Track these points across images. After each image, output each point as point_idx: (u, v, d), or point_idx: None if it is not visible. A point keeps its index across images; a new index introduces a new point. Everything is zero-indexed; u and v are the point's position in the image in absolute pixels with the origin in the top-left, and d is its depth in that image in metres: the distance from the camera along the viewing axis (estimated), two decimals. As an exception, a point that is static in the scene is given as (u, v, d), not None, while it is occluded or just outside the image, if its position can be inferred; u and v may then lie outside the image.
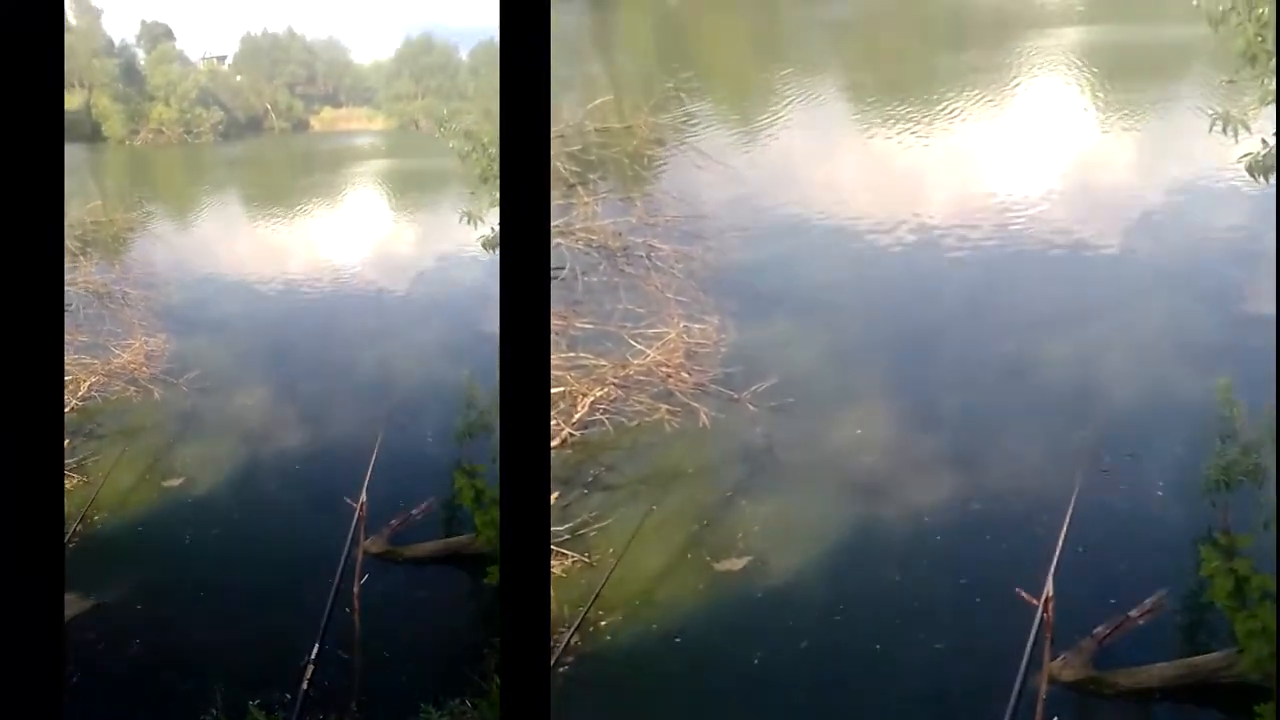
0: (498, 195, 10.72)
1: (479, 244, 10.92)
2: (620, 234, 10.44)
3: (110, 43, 20.87)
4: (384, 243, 16.14)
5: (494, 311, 6.41)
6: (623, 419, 9.86)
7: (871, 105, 15.10)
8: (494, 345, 6.43)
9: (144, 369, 11.72)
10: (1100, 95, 14.73)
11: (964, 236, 11.87)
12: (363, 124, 22.43)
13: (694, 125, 14.05)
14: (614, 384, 9.80)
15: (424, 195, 16.86)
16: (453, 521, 9.31)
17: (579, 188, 10.64)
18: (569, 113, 11.53)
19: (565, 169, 10.86)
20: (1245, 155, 8.43)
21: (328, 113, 23.30)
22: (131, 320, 12.39)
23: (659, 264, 10.40)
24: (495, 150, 10.56)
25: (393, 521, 9.12)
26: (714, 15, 18.42)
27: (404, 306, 13.36)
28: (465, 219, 10.91)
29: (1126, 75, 14.99)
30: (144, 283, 13.12)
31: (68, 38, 20.23)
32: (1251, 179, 8.54)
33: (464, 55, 20.77)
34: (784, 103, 15.12)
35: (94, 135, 20.72)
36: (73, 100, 20.41)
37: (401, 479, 9.06)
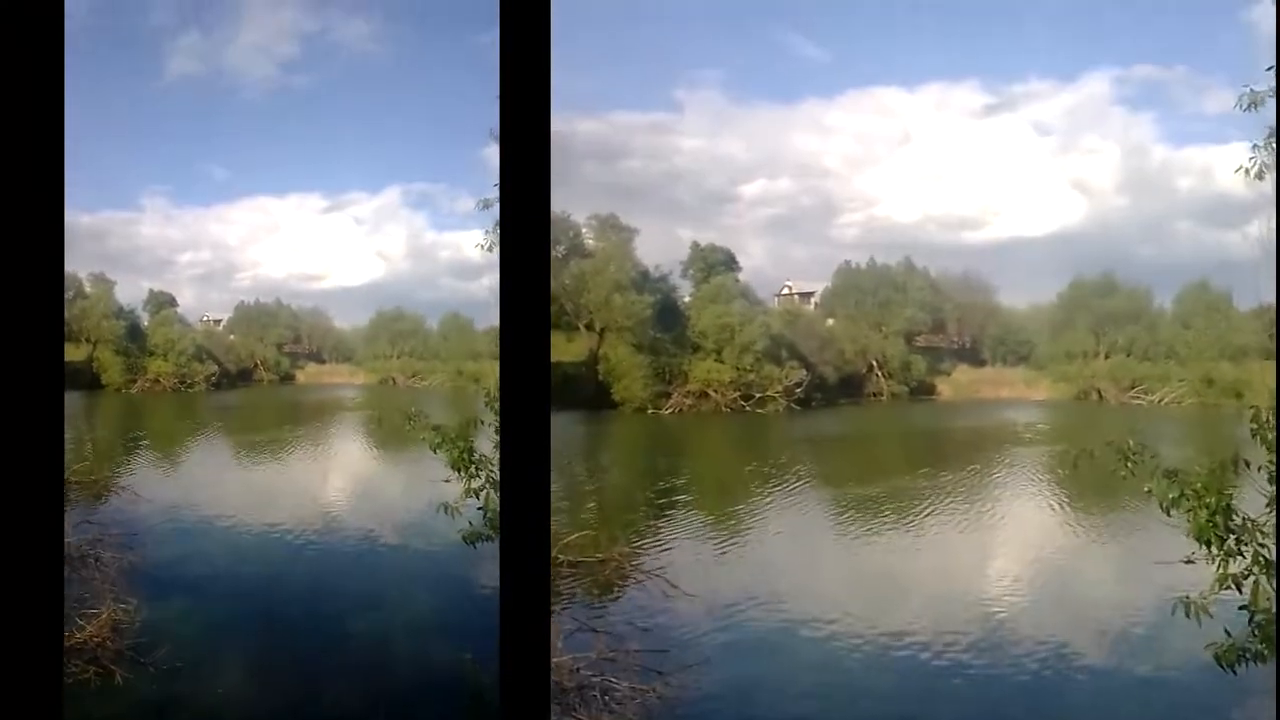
0: (471, 486, 8.28)
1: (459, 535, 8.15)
2: (577, 670, 7.85)
3: (120, 307, 19.33)
4: (371, 489, 13.54)
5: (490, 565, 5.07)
6: None
7: (855, 515, 13.01)
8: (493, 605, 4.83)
9: (108, 644, 8.54)
10: (1078, 508, 12.80)
11: (947, 646, 9.41)
12: (345, 378, 20.72)
13: (672, 545, 11.68)
14: None
15: (407, 443, 14.35)
16: None
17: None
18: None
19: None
20: (1210, 645, 6.20)
21: (312, 368, 21.67)
22: (101, 588, 9.23)
23: (614, 706, 7.76)
24: (464, 444, 8.21)
25: None
26: (705, 428, 16.87)
27: (395, 559, 10.61)
28: (442, 510, 8.14)
29: (1101, 492, 12.70)
30: (120, 544, 10.07)
31: (81, 303, 18.21)
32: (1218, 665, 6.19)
33: (433, 324, 19.80)
34: (766, 512, 13.07)
35: (93, 384, 18.93)
36: (78, 353, 18.69)
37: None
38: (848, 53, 18.34)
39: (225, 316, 20.75)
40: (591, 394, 16.56)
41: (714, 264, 17.88)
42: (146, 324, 19.62)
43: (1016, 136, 17.74)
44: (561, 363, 16.58)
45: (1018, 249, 17.58)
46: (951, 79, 18.04)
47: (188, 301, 19.94)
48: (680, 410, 17.11)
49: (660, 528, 11.97)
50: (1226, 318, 16.66)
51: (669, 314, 17.53)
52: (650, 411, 16.86)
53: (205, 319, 20.49)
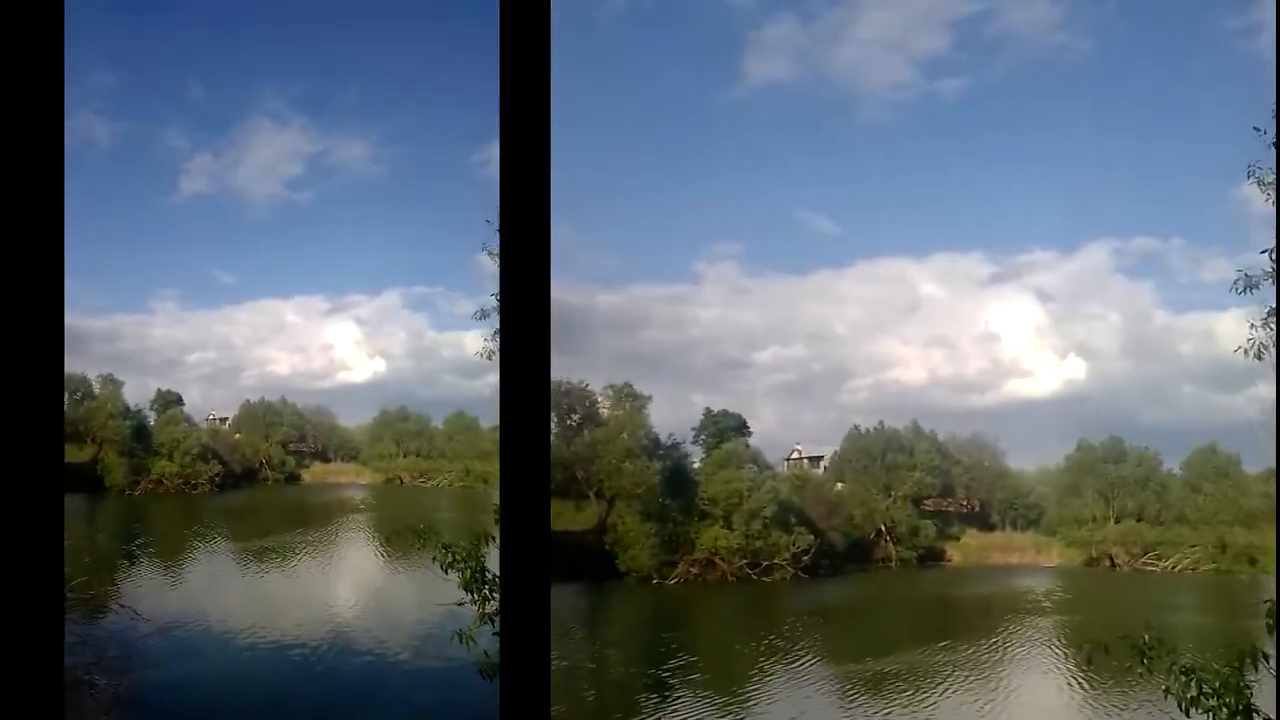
0: (485, 610, 7.41)
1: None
2: None
3: (127, 407, 18.76)
4: (380, 596, 12.58)
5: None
6: None
7: (868, 695, 12.19)
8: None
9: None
10: (1098, 688, 11.83)
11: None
12: (351, 477, 19.94)
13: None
14: None
15: (414, 548, 13.46)
16: None
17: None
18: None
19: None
20: None
21: (318, 467, 20.89)
22: (95, 718, 8.19)
23: None
24: (475, 564, 7.35)
25: None
26: (711, 598, 15.87)
27: (408, 676, 9.61)
28: (456, 639, 7.19)
29: (1122, 671, 12.29)
30: (116, 668, 9.06)
31: (89, 404, 17.59)
32: None
33: (438, 422, 19.23)
34: (776, 693, 12.13)
35: (95, 486, 18.07)
36: (83, 454, 18.01)
37: None
38: (858, 226, 18.95)
39: (231, 414, 20.18)
40: (597, 564, 15.71)
41: (725, 429, 17.55)
42: (153, 423, 19.00)
43: (1020, 303, 17.87)
44: (570, 531, 15.75)
45: (1024, 412, 17.38)
46: (958, 249, 18.46)
47: (194, 400, 19.62)
48: (686, 579, 16.27)
49: (661, 715, 10.98)
50: (1236, 482, 16.09)
51: (679, 479, 16.91)
52: (655, 581, 16.00)
53: (211, 417, 19.87)
